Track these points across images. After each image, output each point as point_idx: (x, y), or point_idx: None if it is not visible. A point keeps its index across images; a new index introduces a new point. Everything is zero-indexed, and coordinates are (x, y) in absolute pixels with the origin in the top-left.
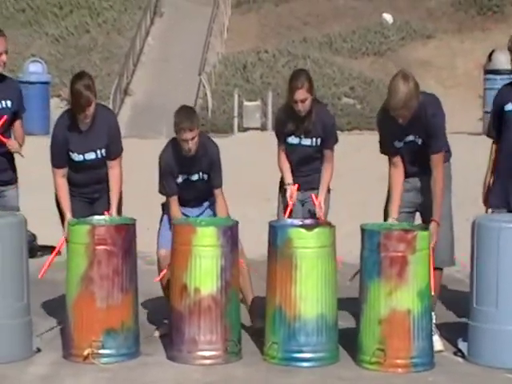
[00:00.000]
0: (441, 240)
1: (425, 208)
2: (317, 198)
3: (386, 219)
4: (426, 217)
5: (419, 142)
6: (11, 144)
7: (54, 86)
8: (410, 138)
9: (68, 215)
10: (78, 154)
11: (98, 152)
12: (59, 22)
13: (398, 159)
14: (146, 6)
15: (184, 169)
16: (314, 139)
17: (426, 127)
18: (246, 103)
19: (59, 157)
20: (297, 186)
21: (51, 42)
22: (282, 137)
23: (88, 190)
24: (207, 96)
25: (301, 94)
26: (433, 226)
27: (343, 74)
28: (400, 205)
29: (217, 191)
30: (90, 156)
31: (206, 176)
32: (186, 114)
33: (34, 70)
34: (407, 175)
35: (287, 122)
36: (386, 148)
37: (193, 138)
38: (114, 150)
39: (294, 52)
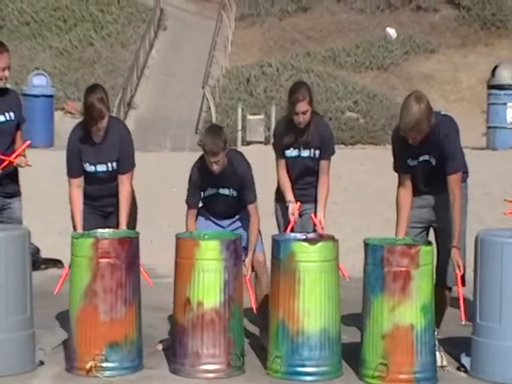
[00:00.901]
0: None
1: (439, 225)
2: (316, 216)
3: None
4: (439, 234)
5: (433, 162)
6: (20, 161)
7: (58, 98)
8: (425, 157)
9: (79, 229)
10: (90, 164)
11: (109, 165)
12: (63, 35)
13: (407, 179)
14: (149, 19)
15: (212, 182)
16: (313, 150)
17: (439, 148)
18: (249, 117)
19: (74, 166)
20: (299, 204)
21: (55, 55)
22: (280, 150)
23: (101, 203)
24: (211, 109)
25: (302, 107)
26: (454, 253)
27: (346, 88)
28: (412, 220)
29: (250, 207)
30: (102, 168)
31: (235, 193)
32: (211, 137)
33: (38, 83)
34: (422, 193)
35: (286, 135)
36: (399, 166)
37: (217, 162)
38: (125, 165)
39: (298, 66)
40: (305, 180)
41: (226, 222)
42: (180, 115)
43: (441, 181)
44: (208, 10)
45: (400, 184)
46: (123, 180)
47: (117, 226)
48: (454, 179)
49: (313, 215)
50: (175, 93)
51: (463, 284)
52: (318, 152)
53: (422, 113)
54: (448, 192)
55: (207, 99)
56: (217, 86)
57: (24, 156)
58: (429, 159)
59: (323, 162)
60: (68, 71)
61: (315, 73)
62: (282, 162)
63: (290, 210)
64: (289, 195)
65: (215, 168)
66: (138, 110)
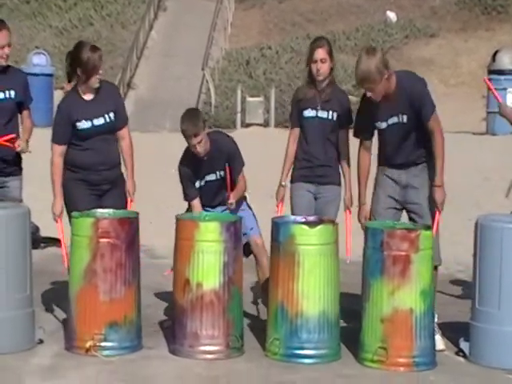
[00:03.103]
0: None
1: (412, 206)
2: (350, 212)
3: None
4: (413, 215)
5: (404, 119)
6: (19, 145)
7: (58, 78)
8: (394, 119)
9: (58, 198)
10: (86, 120)
11: (107, 116)
12: (63, 15)
13: (368, 144)
14: (149, 0)
15: (201, 172)
16: (331, 112)
17: (408, 102)
18: (248, 99)
19: (60, 131)
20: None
21: (55, 35)
22: (296, 113)
23: (97, 177)
24: (210, 91)
25: (321, 53)
26: (438, 192)
27: (346, 72)
28: (386, 201)
29: (239, 177)
30: (99, 121)
31: (222, 173)
32: (189, 120)
33: (38, 61)
34: (390, 165)
35: (304, 90)
36: (363, 131)
37: (199, 142)
38: (122, 117)
39: (298, 48)
40: (321, 154)
41: (218, 209)
42: (179, 96)
43: (410, 151)
44: None
45: (362, 147)
46: (123, 134)
47: (114, 204)
48: (432, 123)
49: (347, 211)
50: (175, 74)
51: (438, 262)
52: (335, 114)
53: (372, 63)
54: (419, 167)
55: (207, 81)
56: (216, 67)
57: (27, 141)
58: (398, 120)
59: (343, 132)
60: (68, 50)
61: None
62: (295, 131)
63: (280, 194)
64: (283, 177)
65: (199, 150)
66: (138, 90)
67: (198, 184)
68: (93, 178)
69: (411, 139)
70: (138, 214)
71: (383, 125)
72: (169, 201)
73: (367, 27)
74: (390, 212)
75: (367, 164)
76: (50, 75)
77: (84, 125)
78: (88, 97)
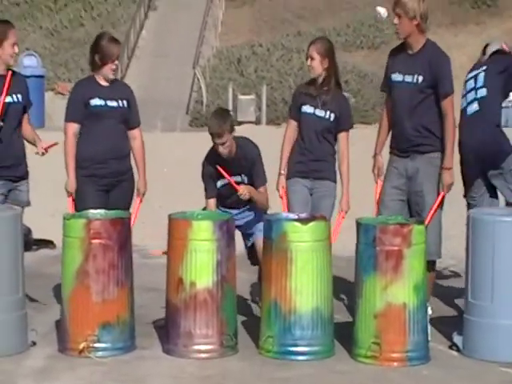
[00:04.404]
0: (429, 233)
1: (414, 198)
2: (343, 216)
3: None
4: (414, 207)
5: (419, 80)
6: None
7: (49, 79)
8: (409, 78)
9: (71, 176)
10: (100, 98)
11: (120, 102)
12: (53, 16)
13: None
14: None
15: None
16: (329, 112)
17: (429, 65)
18: (240, 97)
19: (75, 108)
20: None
21: (45, 36)
22: (295, 106)
23: (104, 170)
24: (201, 90)
25: (310, 50)
26: (446, 175)
27: None
28: (391, 192)
29: (260, 189)
30: (112, 103)
31: (246, 178)
32: (216, 119)
33: (29, 63)
34: (397, 150)
35: (306, 86)
36: (385, 83)
37: (223, 143)
38: (135, 116)
39: (289, 46)
40: (315, 149)
41: (234, 211)
42: (171, 96)
43: (419, 124)
44: None
45: (386, 107)
46: (135, 134)
47: (120, 200)
48: (447, 103)
49: (340, 213)
50: (166, 73)
51: (437, 256)
52: (333, 116)
53: None
54: (425, 157)
55: (198, 79)
56: (207, 66)
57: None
58: (412, 80)
59: (342, 135)
60: (58, 52)
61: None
62: (293, 124)
63: (281, 183)
64: (282, 165)
65: (222, 151)
66: None
67: (219, 183)
68: (101, 172)
69: (420, 109)
70: (130, 214)
71: (399, 77)
72: (161, 201)
73: (358, 23)
74: (396, 204)
75: (386, 125)
76: (41, 76)
77: (98, 102)
78: (104, 83)
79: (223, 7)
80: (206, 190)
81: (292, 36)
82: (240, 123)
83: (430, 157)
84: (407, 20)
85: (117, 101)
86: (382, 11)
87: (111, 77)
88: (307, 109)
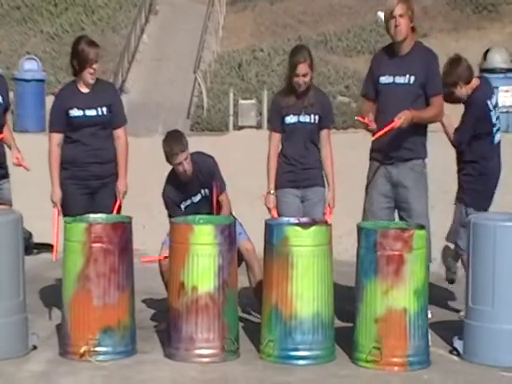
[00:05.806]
0: None
1: (401, 205)
2: (330, 211)
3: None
4: (402, 215)
5: (411, 80)
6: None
7: (49, 83)
8: (401, 79)
9: (55, 186)
10: (78, 109)
11: (99, 109)
12: (54, 20)
13: (371, 105)
14: (140, 3)
15: (185, 195)
16: (313, 116)
17: (420, 64)
18: (241, 101)
19: (57, 118)
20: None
21: (46, 40)
22: (276, 119)
23: (84, 172)
24: (202, 94)
25: (303, 69)
26: (405, 113)
27: (338, 73)
28: (379, 200)
29: (222, 197)
30: (91, 112)
31: (207, 191)
32: (173, 139)
33: (29, 67)
34: (381, 155)
35: (285, 98)
36: (368, 87)
37: (186, 159)
38: (118, 116)
39: (289, 50)
40: (304, 157)
41: None
42: (171, 100)
43: (405, 133)
44: None
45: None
46: (119, 134)
47: (105, 201)
48: (436, 100)
49: (327, 208)
50: (166, 78)
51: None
52: (317, 117)
53: None
54: (409, 164)
55: (199, 84)
56: (208, 70)
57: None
58: (404, 81)
59: (325, 132)
60: (59, 56)
61: None
62: (276, 136)
63: (271, 203)
64: (270, 184)
65: (186, 167)
66: (130, 94)
67: (183, 206)
68: (80, 174)
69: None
70: (131, 218)
71: (389, 79)
72: (162, 205)
73: (359, 28)
74: (384, 212)
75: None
76: (42, 81)
77: (76, 113)
78: (84, 89)
79: (224, 12)
80: (171, 216)
81: (293, 41)
82: (241, 128)
83: (414, 164)
84: (408, 21)
85: (96, 109)
86: (383, 16)
87: (91, 81)
88: (291, 119)
